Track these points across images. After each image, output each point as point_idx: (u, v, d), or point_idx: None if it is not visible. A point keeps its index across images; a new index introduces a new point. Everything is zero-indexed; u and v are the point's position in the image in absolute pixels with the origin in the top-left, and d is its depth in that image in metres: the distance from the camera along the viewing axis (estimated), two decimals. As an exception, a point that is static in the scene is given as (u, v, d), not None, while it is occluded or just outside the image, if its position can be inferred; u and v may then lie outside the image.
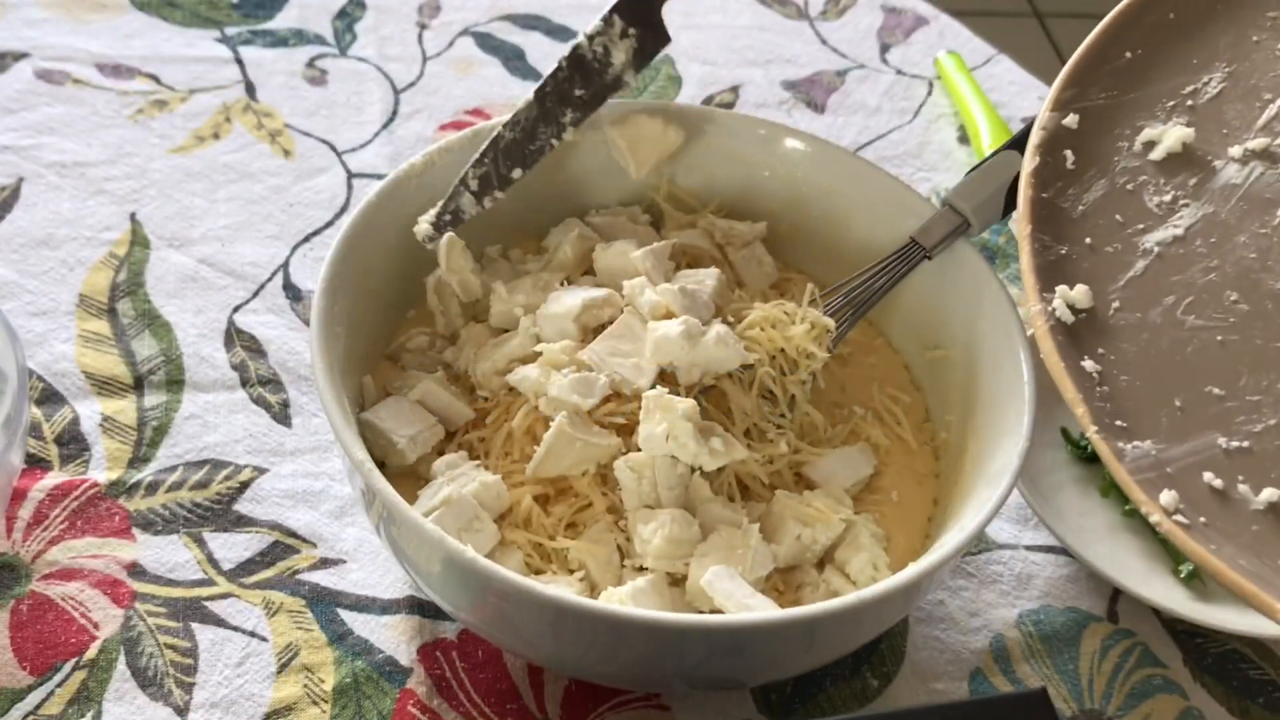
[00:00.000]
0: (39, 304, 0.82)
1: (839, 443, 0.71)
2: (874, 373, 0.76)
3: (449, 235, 0.73)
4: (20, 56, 0.96)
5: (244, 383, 0.80)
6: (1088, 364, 0.59)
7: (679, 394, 0.67)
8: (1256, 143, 0.64)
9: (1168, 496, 0.55)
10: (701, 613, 0.63)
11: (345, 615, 0.70)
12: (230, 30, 1.01)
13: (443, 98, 0.99)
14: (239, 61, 0.99)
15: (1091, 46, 0.67)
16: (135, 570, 0.71)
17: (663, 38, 0.76)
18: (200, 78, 0.98)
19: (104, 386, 0.79)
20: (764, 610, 0.61)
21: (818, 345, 0.69)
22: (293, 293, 0.85)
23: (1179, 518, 0.55)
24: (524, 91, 1.00)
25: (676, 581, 0.65)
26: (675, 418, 0.64)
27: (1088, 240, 0.63)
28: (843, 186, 0.78)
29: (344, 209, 0.90)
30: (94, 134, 0.93)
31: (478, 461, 0.68)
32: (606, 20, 0.74)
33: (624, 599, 0.61)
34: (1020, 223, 0.63)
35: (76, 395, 0.78)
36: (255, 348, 0.82)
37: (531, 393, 0.67)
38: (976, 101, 1.00)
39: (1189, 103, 0.65)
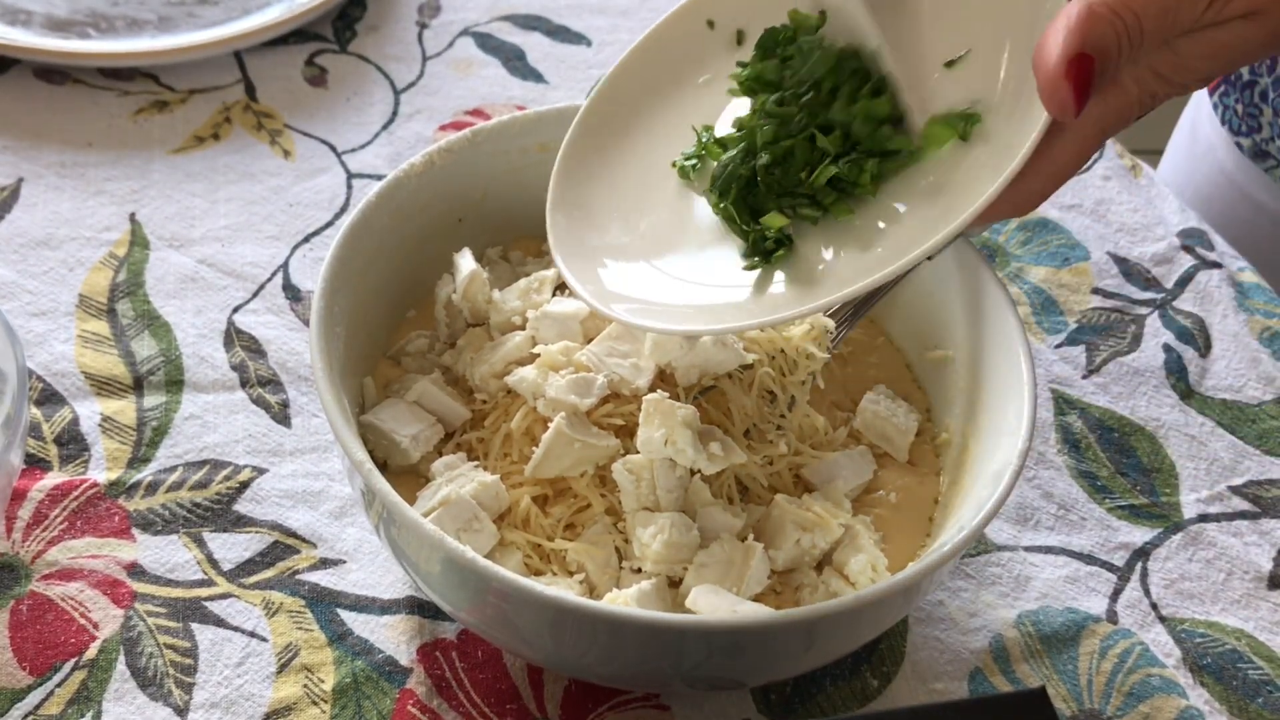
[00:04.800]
0: (39, 304, 0.82)
1: (839, 445, 0.71)
2: (875, 373, 0.76)
3: (473, 269, 0.72)
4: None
5: (244, 383, 0.80)
6: None
7: (678, 395, 0.67)
8: None
9: None
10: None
11: (345, 615, 0.70)
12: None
13: (443, 98, 0.99)
14: (239, 61, 0.99)
15: None
16: (135, 570, 0.71)
17: None
18: (200, 78, 0.98)
19: (104, 387, 0.79)
20: (761, 611, 0.61)
21: (817, 346, 0.69)
22: (292, 293, 0.85)
23: None
24: (524, 92, 1.00)
25: (675, 583, 0.65)
26: (675, 423, 0.64)
27: None
28: (842, 186, 0.77)
29: (344, 209, 0.90)
30: (94, 134, 0.93)
31: (476, 462, 0.68)
32: None
33: (628, 601, 0.62)
34: None
35: (76, 395, 0.78)
36: (255, 348, 0.82)
37: (530, 394, 0.67)
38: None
39: None
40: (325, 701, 0.67)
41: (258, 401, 0.79)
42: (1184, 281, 0.91)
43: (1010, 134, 0.58)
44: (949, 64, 0.62)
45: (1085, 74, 0.53)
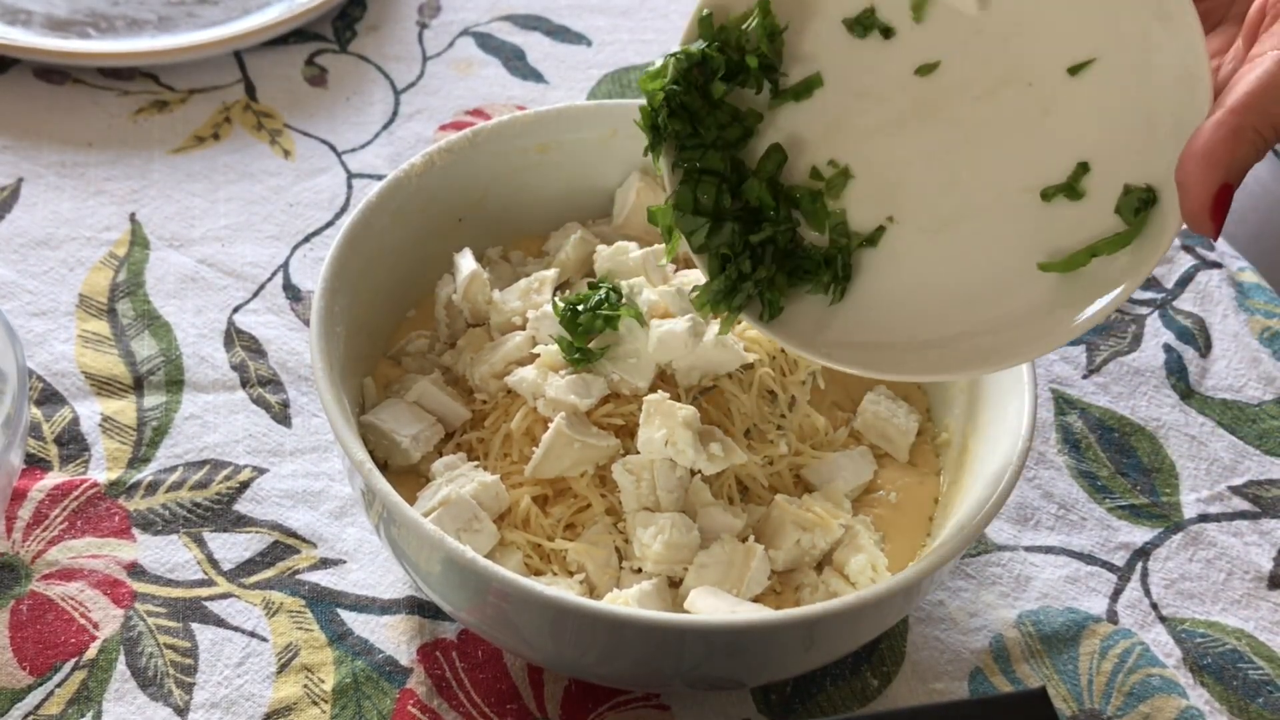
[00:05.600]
0: (39, 304, 0.82)
1: (839, 445, 0.71)
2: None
3: (473, 269, 0.72)
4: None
5: (244, 383, 0.80)
6: None
7: (678, 395, 0.67)
8: None
9: None
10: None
11: (345, 615, 0.70)
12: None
13: (443, 98, 0.99)
14: (239, 61, 0.99)
15: None
16: (135, 570, 0.71)
17: None
18: (200, 78, 0.98)
19: (104, 387, 0.79)
20: (761, 611, 0.61)
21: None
22: (293, 293, 0.85)
23: None
24: (524, 92, 1.00)
25: (675, 583, 0.65)
26: (675, 424, 0.64)
27: None
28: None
29: (344, 209, 0.90)
30: (94, 134, 0.93)
31: (476, 462, 0.68)
32: None
33: (628, 601, 0.62)
34: None
35: (76, 395, 0.78)
36: (255, 348, 0.82)
37: (530, 394, 0.67)
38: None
39: None
40: (325, 701, 0.67)
41: (258, 401, 0.79)
42: (1184, 281, 0.91)
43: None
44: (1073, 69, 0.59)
45: (1227, 201, 0.54)
